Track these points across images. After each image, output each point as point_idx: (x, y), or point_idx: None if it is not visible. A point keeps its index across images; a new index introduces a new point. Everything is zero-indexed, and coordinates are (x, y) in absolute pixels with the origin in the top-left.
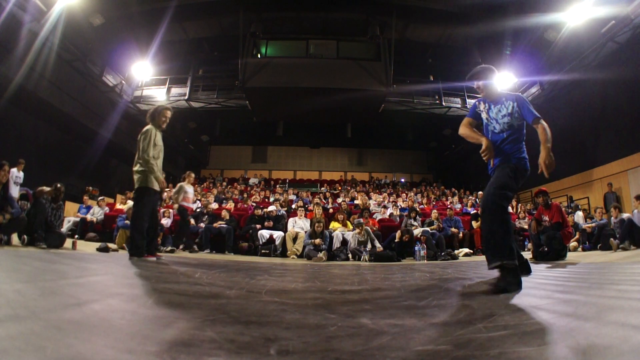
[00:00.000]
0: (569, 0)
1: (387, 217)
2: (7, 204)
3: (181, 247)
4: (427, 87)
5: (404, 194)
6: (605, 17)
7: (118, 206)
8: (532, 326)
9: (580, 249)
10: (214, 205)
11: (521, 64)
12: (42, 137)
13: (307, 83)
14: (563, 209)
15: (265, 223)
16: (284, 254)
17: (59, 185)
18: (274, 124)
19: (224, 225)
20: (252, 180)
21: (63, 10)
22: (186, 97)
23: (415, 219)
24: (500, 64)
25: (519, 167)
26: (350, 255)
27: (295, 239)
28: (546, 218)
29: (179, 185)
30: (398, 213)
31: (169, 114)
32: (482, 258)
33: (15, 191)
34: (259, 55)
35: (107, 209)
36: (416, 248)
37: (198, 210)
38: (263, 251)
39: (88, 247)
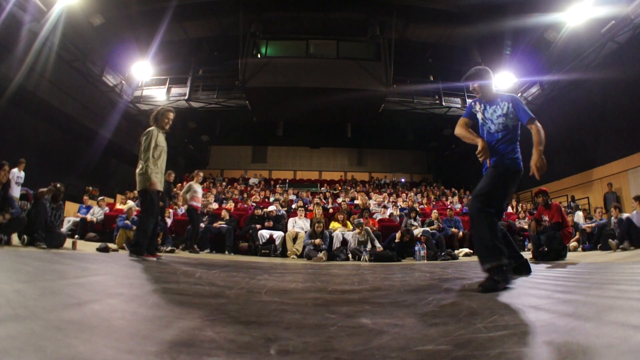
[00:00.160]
0: (569, 0)
1: (387, 217)
2: (7, 204)
3: (181, 247)
4: (427, 87)
5: (404, 194)
6: (605, 17)
7: (118, 206)
8: (532, 326)
9: (580, 249)
10: (214, 205)
11: (521, 64)
12: (42, 137)
13: (307, 83)
14: (563, 208)
15: (265, 223)
16: (284, 254)
17: (58, 185)
18: (274, 124)
19: (224, 225)
20: (252, 180)
21: (63, 10)
22: (186, 97)
23: (415, 219)
24: (500, 64)
25: (512, 167)
26: (350, 255)
27: (295, 239)
28: (546, 218)
29: (188, 184)
30: (398, 213)
31: (171, 115)
32: None
33: (16, 191)
34: (259, 55)
35: (107, 209)
36: (416, 248)
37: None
38: (263, 251)
39: (88, 247)
